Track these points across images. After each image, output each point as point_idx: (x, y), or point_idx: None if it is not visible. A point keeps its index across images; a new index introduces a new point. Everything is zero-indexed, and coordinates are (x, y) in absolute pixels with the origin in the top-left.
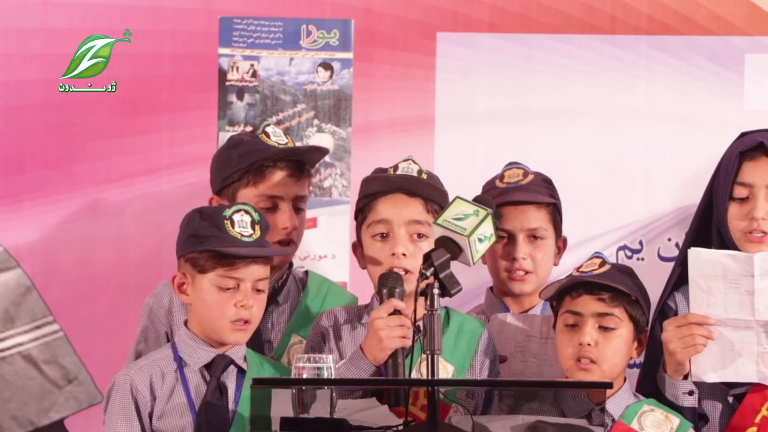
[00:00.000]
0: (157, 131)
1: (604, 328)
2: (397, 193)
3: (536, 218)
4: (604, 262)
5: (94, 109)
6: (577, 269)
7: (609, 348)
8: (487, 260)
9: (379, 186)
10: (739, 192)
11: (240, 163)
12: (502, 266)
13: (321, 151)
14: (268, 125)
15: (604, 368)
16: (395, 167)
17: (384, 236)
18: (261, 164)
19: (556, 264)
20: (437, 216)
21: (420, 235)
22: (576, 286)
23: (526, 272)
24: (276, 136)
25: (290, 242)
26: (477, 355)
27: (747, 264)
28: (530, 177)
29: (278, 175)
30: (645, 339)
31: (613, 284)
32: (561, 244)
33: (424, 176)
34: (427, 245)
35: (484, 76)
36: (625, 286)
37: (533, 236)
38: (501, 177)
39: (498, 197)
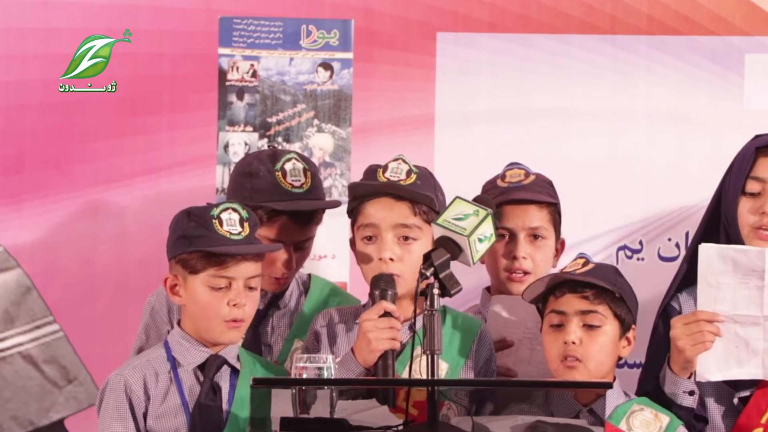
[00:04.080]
0: (157, 131)
1: (588, 326)
2: (384, 197)
3: (538, 217)
4: (587, 262)
5: (94, 109)
6: (561, 270)
7: (594, 346)
8: (485, 259)
9: (365, 190)
10: (752, 187)
11: (249, 200)
12: (502, 265)
13: (332, 205)
14: (289, 160)
15: (590, 366)
16: (385, 167)
17: (372, 239)
18: (268, 208)
19: (554, 266)
20: (426, 216)
21: (407, 238)
22: (559, 285)
23: (525, 273)
24: (293, 176)
25: (284, 276)
26: (471, 354)
27: (758, 259)
28: (532, 177)
29: (283, 222)
30: (633, 338)
31: (596, 281)
32: (559, 246)
33: (414, 176)
34: (417, 247)
35: (484, 76)
36: (608, 283)
37: (534, 236)
38: (503, 177)
39: (500, 196)
